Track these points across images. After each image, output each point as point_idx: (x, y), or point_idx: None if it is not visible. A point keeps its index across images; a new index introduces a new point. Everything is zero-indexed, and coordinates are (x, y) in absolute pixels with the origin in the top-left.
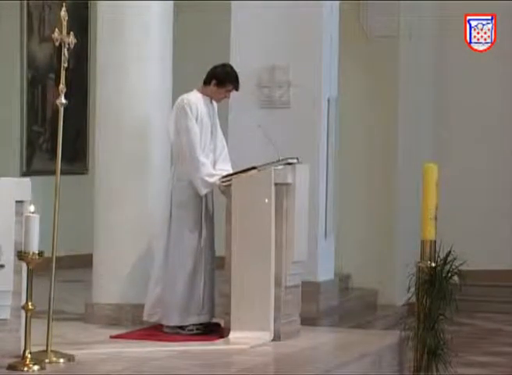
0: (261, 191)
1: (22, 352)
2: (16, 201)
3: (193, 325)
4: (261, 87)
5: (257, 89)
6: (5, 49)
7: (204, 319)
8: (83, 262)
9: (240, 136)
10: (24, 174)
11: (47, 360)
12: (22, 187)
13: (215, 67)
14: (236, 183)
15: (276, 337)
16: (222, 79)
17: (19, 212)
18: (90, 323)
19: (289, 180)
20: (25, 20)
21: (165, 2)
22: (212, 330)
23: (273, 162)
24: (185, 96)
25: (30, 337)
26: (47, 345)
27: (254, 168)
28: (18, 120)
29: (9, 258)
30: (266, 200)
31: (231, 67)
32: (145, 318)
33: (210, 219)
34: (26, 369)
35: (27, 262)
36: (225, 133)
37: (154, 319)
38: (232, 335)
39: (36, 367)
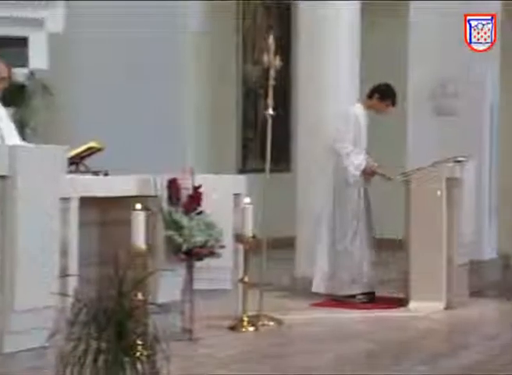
0: (434, 185)
1: (240, 316)
2: (234, 194)
3: (361, 294)
4: (434, 98)
5: (430, 100)
6: (225, 70)
7: (366, 288)
8: (287, 242)
9: (417, 140)
10: (240, 172)
11: (260, 323)
12: (238, 182)
13: (378, 85)
14: (415, 178)
15: (448, 307)
16: (383, 94)
17: (236, 203)
18: (294, 294)
19: (458, 175)
20: (240, 47)
21: (353, 23)
22: (375, 299)
23: (445, 160)
24: (351, 109)
25: (246, 304)
26: (259, 311)
27: (430, 166)
28: (234, 127)
29: (229, 240)
30: (439, 192)
31: (391, 86)
32: (314, 290)
33: (367, 205)
34: (243, 329)
35: (243, 244)
36: (404, 138)
37: (322, 291)
38: (411, 304)
39: (251, 328)
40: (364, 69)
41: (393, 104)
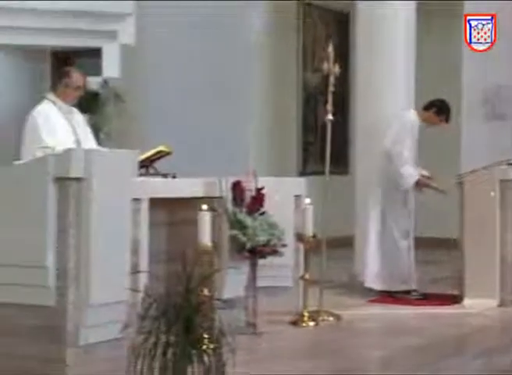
0: (488, 186)
1: (301, 312)
2: (295, 196)
3: (415, 291)
4: (487, 102)
5: (483, 104)
6: (286, 77)
7: (414, 285)
8: (345, 242)
9: (471, 143)
10: (301, 174)
11: (320, 318)
12: (299, 184)
13: (437, 100)
14: (469, 180)
15: (501, 304)
16: (440, 109)
17: (297, 204)
18: (352, 291)
19: (511, 177)
20: (300, 55)
21: (409, 23)
22: (428, 296)
23: (498, 163)
24: (408, 115)
25: (306, 300)
26: (319, 306)
27: (483, 168)
28: (295, 131)
29: (290, 239)
30: (492, 193)
31: (446, 101)
32: (367, 285)
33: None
34: (304, 324)
35: (304, 243)
36: (458, 142)
37: (377, 287)
38: (465, 302)
39: (312, 323)
40: (419, 69)
41: (447, 120)
